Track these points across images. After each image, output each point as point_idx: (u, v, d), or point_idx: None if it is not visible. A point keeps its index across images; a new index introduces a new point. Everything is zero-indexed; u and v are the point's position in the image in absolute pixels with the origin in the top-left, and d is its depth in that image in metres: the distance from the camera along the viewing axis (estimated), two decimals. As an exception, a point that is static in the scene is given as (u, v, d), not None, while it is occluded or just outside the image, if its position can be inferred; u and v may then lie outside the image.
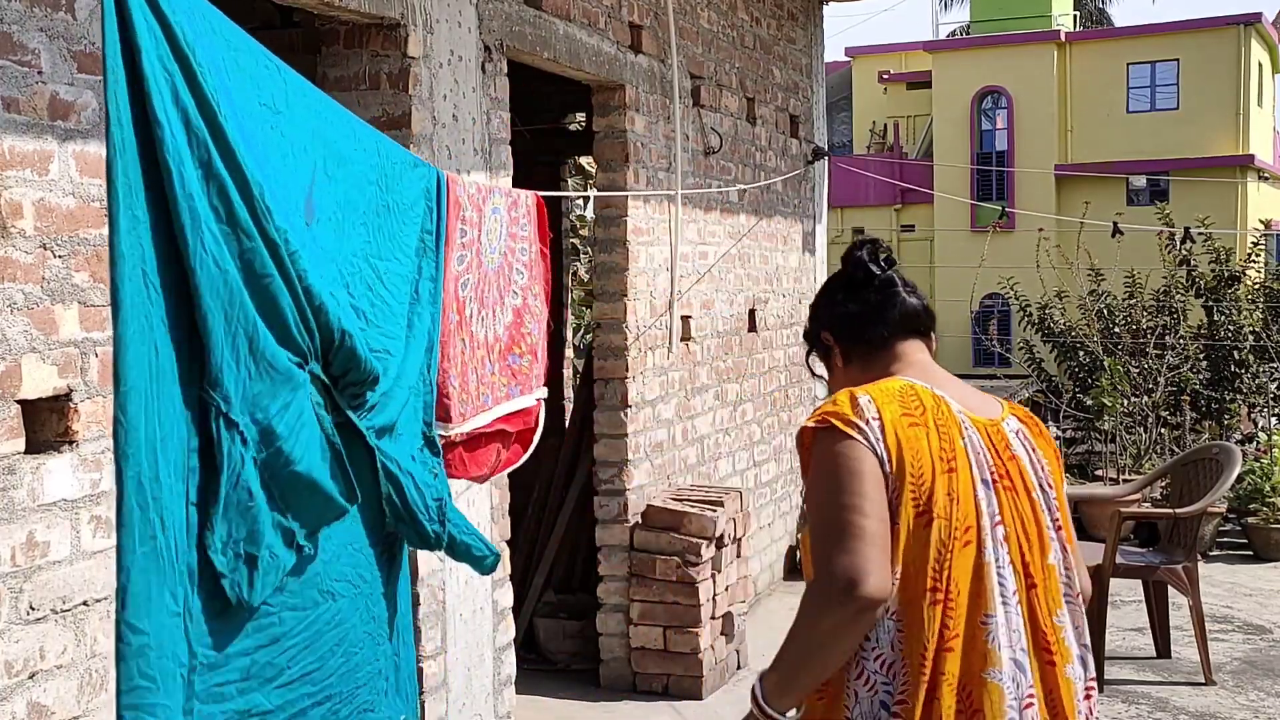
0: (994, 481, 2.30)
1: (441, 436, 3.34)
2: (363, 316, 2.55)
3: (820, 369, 2.59)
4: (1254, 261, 12.28)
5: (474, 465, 3.50)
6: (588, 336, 9.80)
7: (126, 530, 1.89)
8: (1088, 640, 2.39)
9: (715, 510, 6.26)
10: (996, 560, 2.25)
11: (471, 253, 3.27)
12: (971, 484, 2.27)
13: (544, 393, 3.71)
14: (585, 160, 10.76)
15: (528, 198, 3.64)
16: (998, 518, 2.28)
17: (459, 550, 2.63)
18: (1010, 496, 2.31)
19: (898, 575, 2.19)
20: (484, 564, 2.73)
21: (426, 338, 2.80)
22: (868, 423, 2.23)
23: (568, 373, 9.04)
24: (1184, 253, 11.69)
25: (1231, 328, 11.48)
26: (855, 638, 2.18)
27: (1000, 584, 2.24)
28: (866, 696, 2.21)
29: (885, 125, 29.89)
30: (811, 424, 2.28)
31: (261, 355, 2.06)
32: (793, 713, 2.24)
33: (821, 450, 2.24)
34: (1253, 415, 11.81)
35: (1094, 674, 2.40)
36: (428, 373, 2.79)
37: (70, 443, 2.96)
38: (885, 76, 29.68)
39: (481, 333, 3.37)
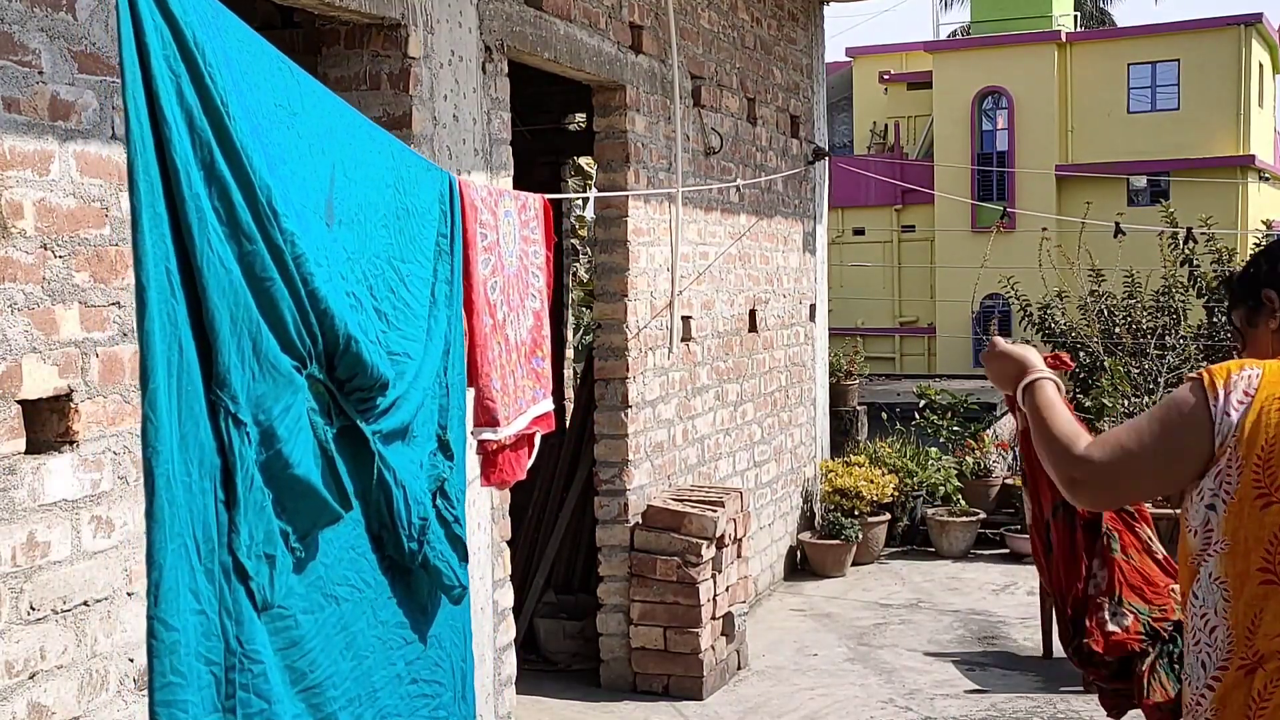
0: None
1: (492, 441, 3.35)
2: (384, 319, 2.55)
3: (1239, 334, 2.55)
4: (1255, 262, 12.26)
5: (519, 467, 3.53)
6: (588, 337, 9.80)
7: (159, 526, 1.89)
8: None
9: (715, 510, 6.26)
10: None
11: (495, 256, 3.28)
12: None
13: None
14: (584, 161, 10.76)
15: (535, 200, 3.65)
16: None
17: (431, 572, 2.64)
18: None
19: (1226, 545, 2.22)
20: (451, 593, 2.72)
21: (443, 341, 2.81)
22: (1229, 392, 2.23)
23: (568, 373, 9.04)
24: (1186, 252, 11.70)
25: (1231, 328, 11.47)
26: (1051, 476, 2.38)
27: None
28: (1193, 651, 2.27)
29: (886, 125, 29.89)
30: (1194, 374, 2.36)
31: (265, 356, 2.07)
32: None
33: (1180, 388, 2.32)
34: (1253, 415, 11.77)
35: None
36: (444, 375, 2.80)
37: (71, 443, 2.96)
38: (886, 77, 29.67)
39: (513, 336, 3.39)
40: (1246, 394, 2.22)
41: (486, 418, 3.30)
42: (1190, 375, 2.34)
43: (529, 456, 3.63)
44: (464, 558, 2.76)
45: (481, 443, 3.36)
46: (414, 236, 2.74)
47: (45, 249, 2.89)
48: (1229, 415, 2.21)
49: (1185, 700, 2.33)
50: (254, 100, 2.12)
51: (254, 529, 2.04)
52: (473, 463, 3.68)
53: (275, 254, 2.09)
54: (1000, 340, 2.69)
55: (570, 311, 9.61)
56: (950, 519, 9.36)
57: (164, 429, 1.89)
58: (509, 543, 5.21)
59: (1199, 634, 2.26)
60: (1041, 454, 2.39)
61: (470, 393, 3.28)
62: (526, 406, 3.50)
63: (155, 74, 1.89)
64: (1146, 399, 10.70)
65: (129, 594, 3.10)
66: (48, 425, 2.94)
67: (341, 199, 2.42)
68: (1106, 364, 10.76)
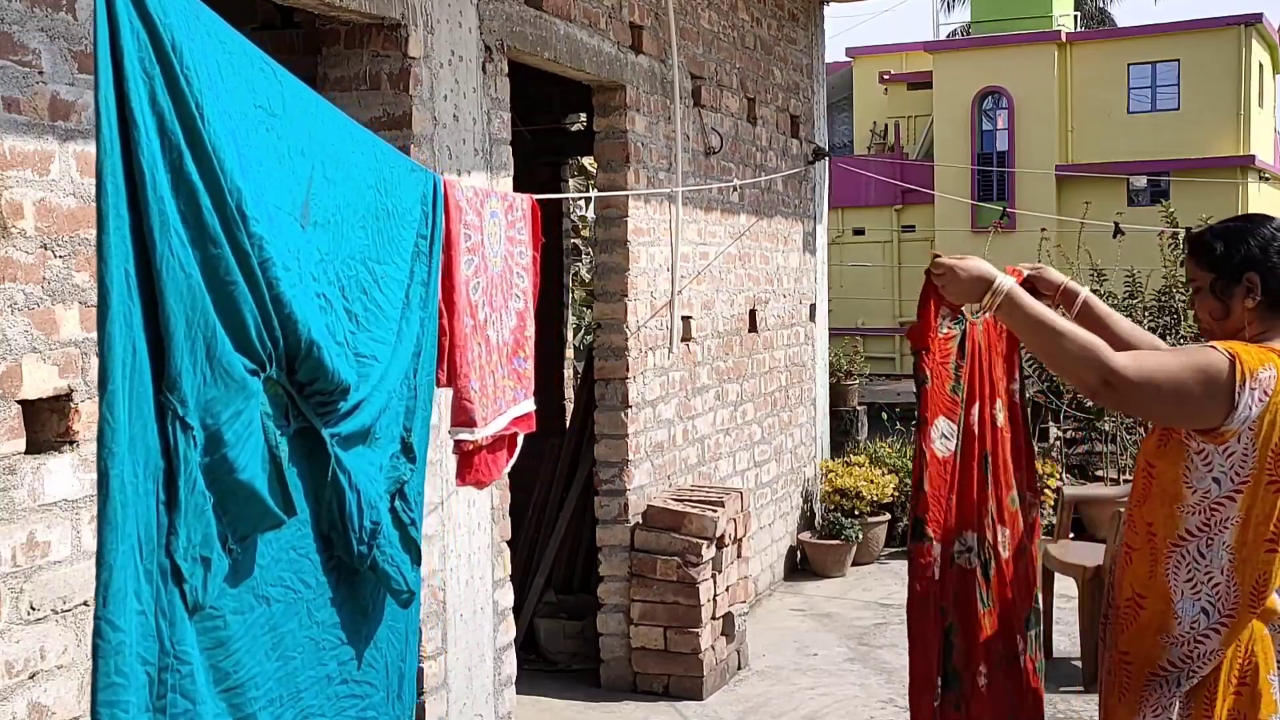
0: None
1: (469, 442, 3.35)
2: (355, 320, 2.56)
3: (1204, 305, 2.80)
4: (1255, 262, 12.25)
5: (495, 469, 3.52)
6: (588, 337, 9.80)
7: (110, 528, 1.91)
8: None
9: (716, 510, 6.26)
10: None
11: (478, 256, 3.27)
12: None
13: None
14: (586, 160, 10.76)
15: (523, 201, 3.64)
16: None
17: (380, 576, 2.64)
18: None
19: (1239, 520, 2.58)
20: (400, 597, 2.72)
21: (414, 342, 2.81)
22: (1254, 388, 2.53)
23: (568, 373, 9.04)
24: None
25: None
26: (1067, 374, 2.62)
27: None
28: (1190, 598, 2.62)
29: (886, 125, 29.88)
30: (1220, 346, 2.57)
31: (218, 361, 2.07)
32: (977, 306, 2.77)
33: (1212, 355, 2.55)
34: (1253, 415, 11.78)
35: None
36: (413, 378, 2.80)
37: (71, 443, 2.96)
38: (886, 77, 29.66)
39: (494, 337, 3.38)
40: (1266, 393, 2.53)
41: (464, 418, 3.30)
42: (1219, 350, 2.56)
43: (509, 458, 3.61)
44: (417, 561, 2.76)
45: (458, 443, 3.36)
46: (392, 238, 2.74)
47: (45, 249, 2.89)
48: (1250, 409, 2.53)
49: (1173, 633, 2.64)
50: (231, 102, 2.12)
51: (192, 532, 2.05)
52: (449, 463, 3.67)
53: (241, 257, 2.09)
54: (944, 259, 2.85)
55: (570, 311, 9.62)
56: (950, 519, 9.35)
57: (120, 431, 1.90)
58: (509, 543, 5.21)
59: (1200, 586, 2.61)
60: (1056, 355, 2.60)
61: (448, 393, 3.28)
62: (506, 407, 3.49)
63: (128, 76, 1.90)
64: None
65: (129, 594, 3.10)
66: (48, 425, 2.94)
67: (319, 200, 2.42)
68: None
